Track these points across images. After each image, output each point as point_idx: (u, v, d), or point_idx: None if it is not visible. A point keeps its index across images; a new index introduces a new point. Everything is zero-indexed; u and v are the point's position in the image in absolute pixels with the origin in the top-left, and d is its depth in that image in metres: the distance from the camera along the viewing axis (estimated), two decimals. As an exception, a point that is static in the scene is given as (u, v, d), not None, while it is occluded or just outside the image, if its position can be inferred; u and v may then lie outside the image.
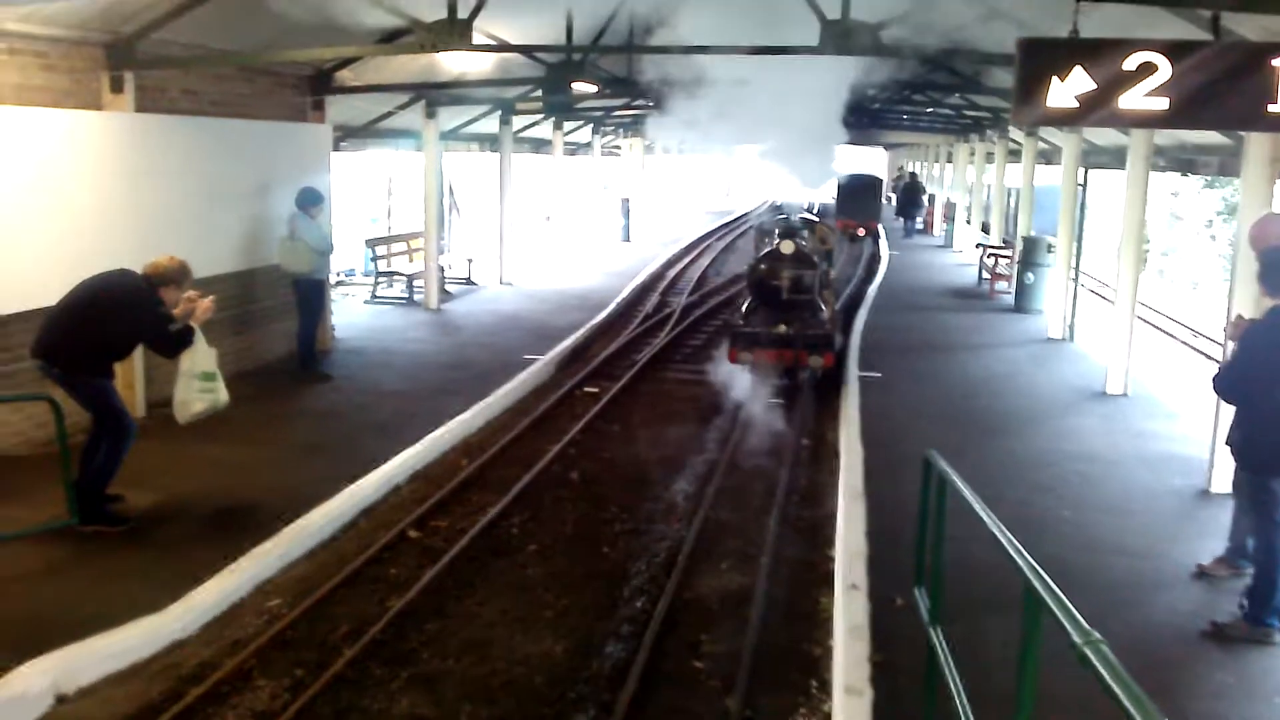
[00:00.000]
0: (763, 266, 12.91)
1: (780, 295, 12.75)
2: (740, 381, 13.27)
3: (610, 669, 6.12)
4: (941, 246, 30.74)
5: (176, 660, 5.95)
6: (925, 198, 38.55)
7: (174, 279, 7.45)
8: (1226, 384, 6.21)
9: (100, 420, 7.42)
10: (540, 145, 26.15)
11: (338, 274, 19.86)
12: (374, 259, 18.89)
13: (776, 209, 19.74)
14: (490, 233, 21.76)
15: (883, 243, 30.61)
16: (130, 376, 10.03)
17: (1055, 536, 7.70)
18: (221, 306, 8.95)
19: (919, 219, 36.78)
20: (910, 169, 46.18)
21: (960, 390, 12.53)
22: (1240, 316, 6.77)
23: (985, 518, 3.95)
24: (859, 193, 32.07)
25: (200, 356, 7.60)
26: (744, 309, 13.29)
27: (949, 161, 35.07)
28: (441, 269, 18.50)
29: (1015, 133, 22.54)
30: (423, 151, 17.50)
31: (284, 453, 9.39)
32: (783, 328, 12.49)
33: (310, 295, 12.11)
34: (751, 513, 8.82)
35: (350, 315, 16.38)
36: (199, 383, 7.63)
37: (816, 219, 15.97)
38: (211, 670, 5.84)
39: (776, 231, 13.98)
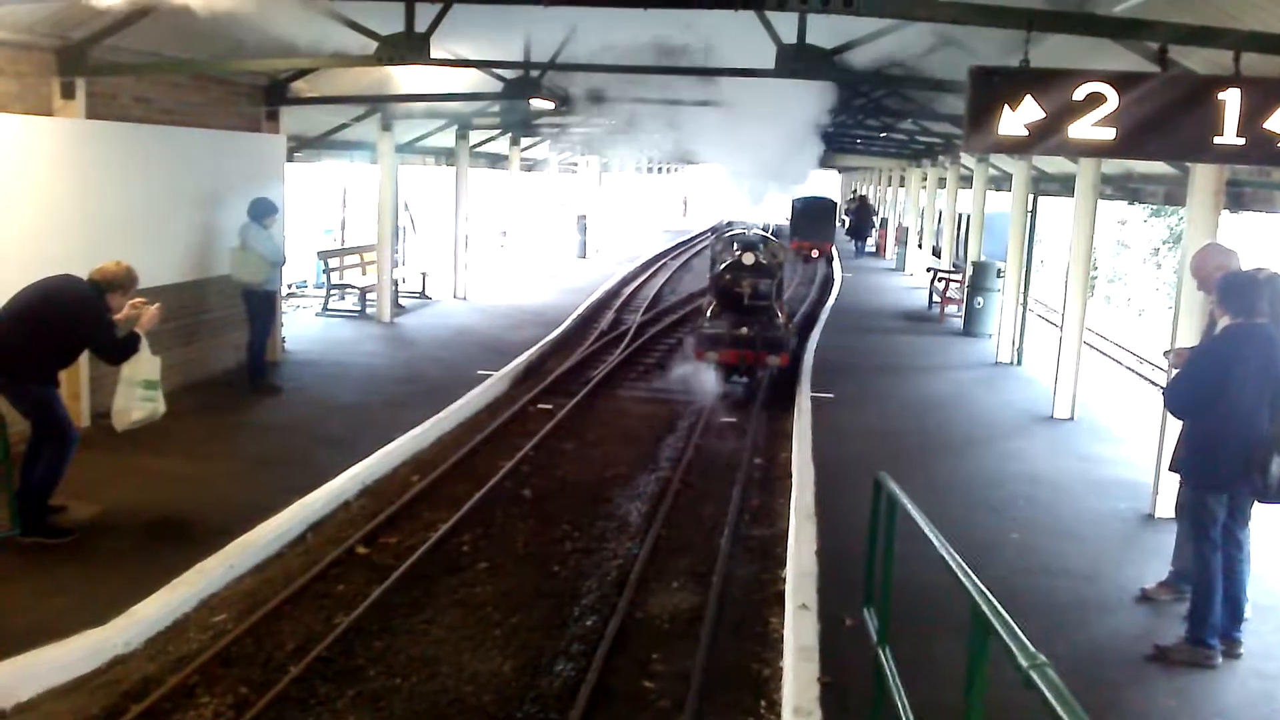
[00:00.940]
0: (726, 275, 14.08)
1: (742, 301, 13.88)
2: (695, 399, 13.51)
3: (560, 688, 6.10)
4: (893, 269, 31.09)
5: (119, 675, 5.85)
6: (876, 219, 39.03)
7: (121, 284, 7.36)
8: (1176, 396, 6.31)
9: (40, 429, 7.29)
10: (497, 160, 26.16)
11: (289, 285, 19.67)
12: (326, 271, 18.76)
13: (727, 227, 20.20)
14: (445, 247, 21.79)
15: (836, 264, 30.92)
16: (76, 386, 9.87)
17: (1003, 558, 7.77)
18: (170, 316, 8.86)
19: (870, 240, 37.22)
20: (862, 192, 46.70)
21: (911, 412, 12.64)
22: (1181, 349, 6.90)
23: (934, 539, 3.99)
24: (813, 215, 32.37)
25: (143, 364, 7.51)
26: (708, 313, 14.31)
27: (901, 185, 35.44)
28: (395, 282, 18.44)
29: (967, 159, 22.79)
30: (378, 164, 17.46)
31: (232, 465, 9.29)
32: (744, 330, 13.65)
33: (261, 306, 11.99)
34: (704, 532, 8.85)
35: (301, 327, 16.31)
36: (140, 390, 7.54)
37: (769, 236, 16.69)
38: (155, 686, 5.74)
39: (735, 245, 14.90)
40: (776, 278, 14.53)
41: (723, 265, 14.60)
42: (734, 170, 16.98)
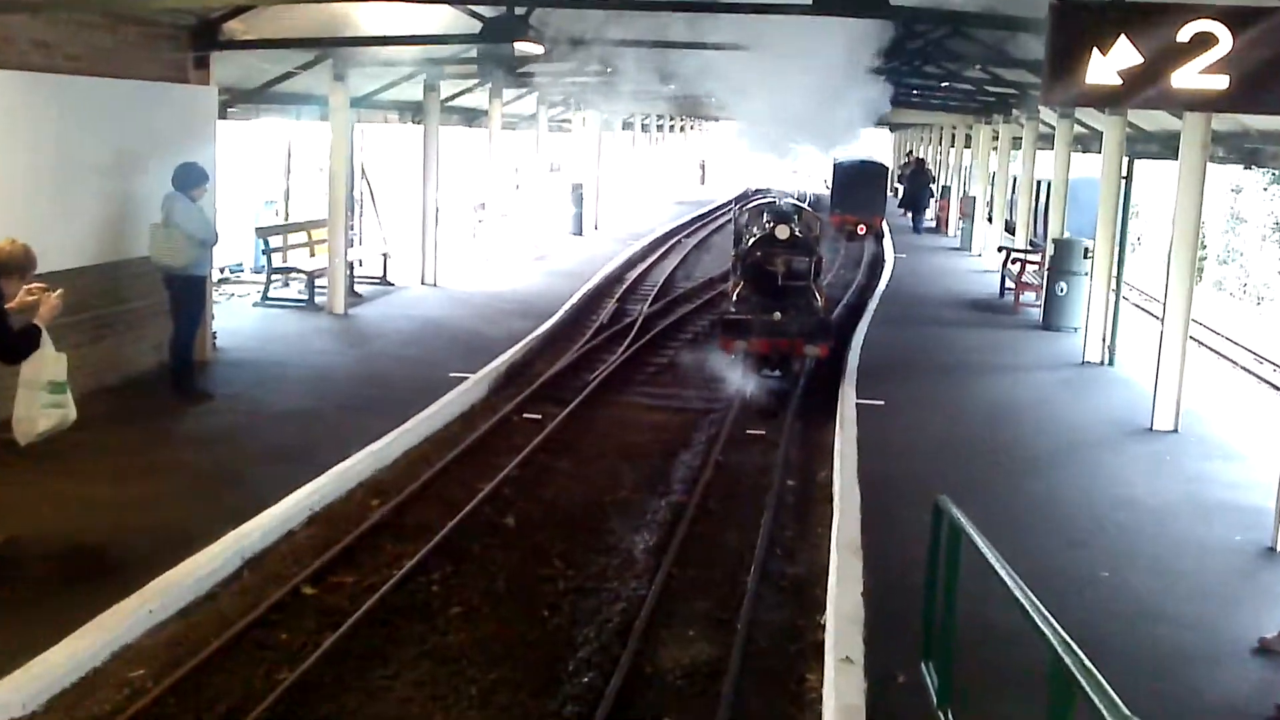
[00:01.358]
0: (756, 252, 14.61)
1: (775, 282, 14.40)
2: (714, 405, 13.57)
3: (550, 758, 6.11)
4: (957, 249, 31.12)
5: (14, 743, 5.83)
6: (936, 187, 38.92)
7: (16, 267, 7.37)
8: None
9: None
10: (474, 117, 26.12)
11: (222, 269, 19.69)
12: (267, 252, 18.71)
13: (754, 196, 20.27)
14: (411, 222, 21.77)
15: (887, 243, 30.84)
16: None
17: (1089, 600, 7.76)
18: (77, 306, 8.85)
19: (929, 212, 37.13)
20: (918, 154, 46.59)
21: (978, 422, 12.64)
22: None
23: (1005, 577, 3.99)
24: (859, 182, 32.33)
25: (47, 363, 7.51)
26: (734, 296, 14.74)
27: (967, 146, 35.31)
28: (350, 265, 18.37)
29: (1047, 113, 22.76)
30: (329, 122, 17.45)
31: (154, 487, 9.27)
32: (777, 315, 13.95)
33: (188, 295, 11.98)
34: (725, 569, 8.85)
35: (237, 320, 16.31)
36: (44, 395, 7.54)
37: (804, 206, 17.15)
38: (57, 757, 5.74)
39: (765, 216, 15.43)
40: (814, 255, 14.97)
41: (751, 240, 14.95)
42: (762, 127, 17.18)
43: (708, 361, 15.43)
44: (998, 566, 4.12)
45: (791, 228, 14.75)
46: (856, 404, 12.84)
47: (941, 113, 35.28)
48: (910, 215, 37.31)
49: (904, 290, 22.47)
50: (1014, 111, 25.62)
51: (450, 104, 23.00)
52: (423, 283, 20.74)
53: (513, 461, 10.96)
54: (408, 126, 22.81)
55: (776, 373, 14.34)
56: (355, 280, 19.21)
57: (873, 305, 20.23)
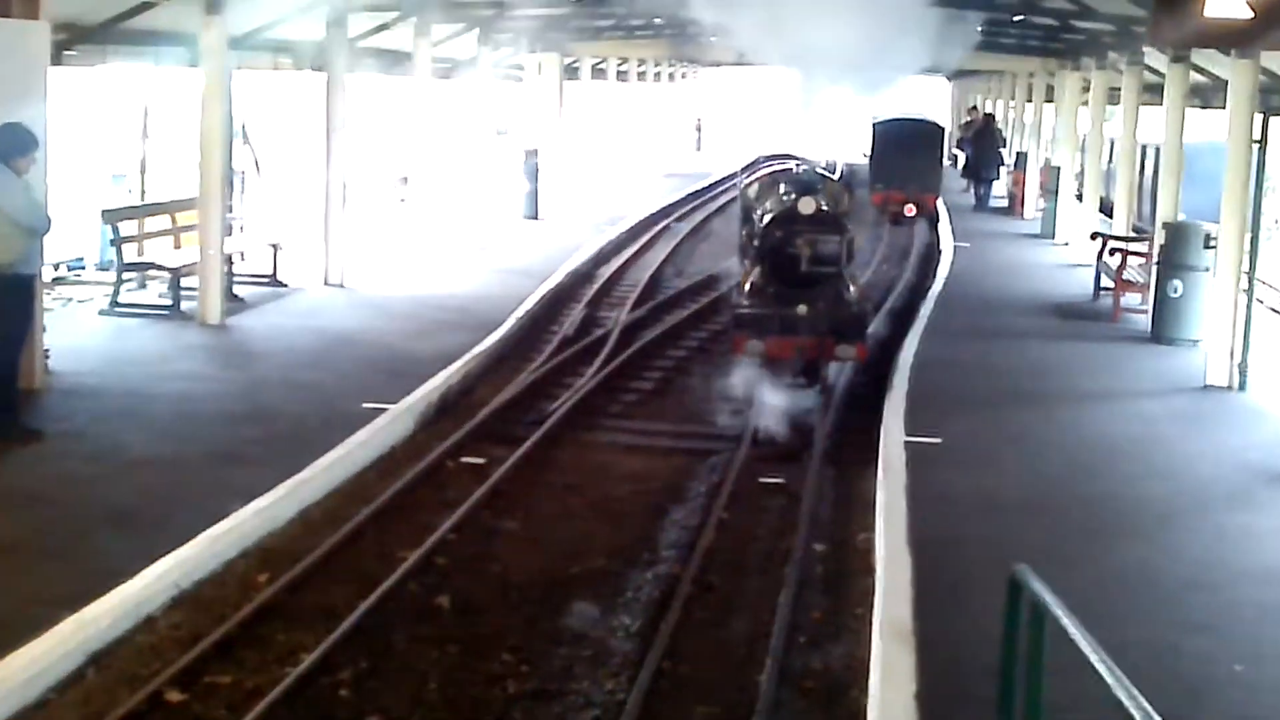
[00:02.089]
0: (775, 231, 15.27)
1: (798, 268, 14.96)
2: (715, 443, 13.66)
3: None
4: (1036, 236, 31.07)
5: None
6: (1006, 152, 38.92)
7: None
8: None
9: None
10: (395, 62, 25.96)
11: (56, 266, 19.59)
12: (117, 242, 18.50)
13: (766, 164, 20.87)
14: (311, 203, 21.67)
15: (944, 228, 30.80)
16: None
17: (1220, 704, 7.73)
18: None
19: (997, 181, 37.09)
20: (985, 109, 46.60)
21: (1065, 466, 12.57)
22: None
23: (1107, 675, 3.98)
24: (907, 148, 32.54)
25: None
26: (746, 287, 15.53)
27: (1048, 101, 35.30)
28: (229, 260, 18.27)
29: (1155, 57, 22.78)
30: (201, 69, 17.33)
31: (-38, 558, 9.17)
32: (802, 309, 14.65)
33: (10, 300, 11.89)
34: (731, 664, 8.83)
35: (77, 333, 16.20)
36: None
37: (829, 175, 17.76)
38: None
39: (782, 188, 16.20)
40: (845, 233, 15.53)
41: (767, 217, 15.58)
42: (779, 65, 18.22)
43: (707, 384, 15.50)
44: (1096, 660, 4.11)
45: (817, 200, 15.23)
46: (905, 442, 12.85)
47: (1014, 55, 35.30)
48: (973, 188, 37.30)
49: (967, 291, 22.44)
50: (1110, 54, 25.59)
51: (362, 44, 22.86)
52: (327, 283, 20.66)
53: (447, 522, 10.90)
54: (305, 74, 22.72)
55: (801, 381, 14.85)
56: (235, 280, 19.05)
57: (926, 311, 20.14)
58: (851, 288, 15.49)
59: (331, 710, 7.94)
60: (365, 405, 13.50)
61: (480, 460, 12.77)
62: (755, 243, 15.86)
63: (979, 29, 26.68)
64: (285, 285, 20.43)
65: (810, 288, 14.88)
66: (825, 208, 15.39)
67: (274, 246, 20.77)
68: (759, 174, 19.44)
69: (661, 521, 11.65)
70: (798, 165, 18.27)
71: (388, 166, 26.97)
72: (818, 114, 18.61)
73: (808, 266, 14.88)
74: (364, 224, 23.60)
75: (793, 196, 15.52)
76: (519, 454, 12.83)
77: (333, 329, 17.45)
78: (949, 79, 56.00)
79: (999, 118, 45.09)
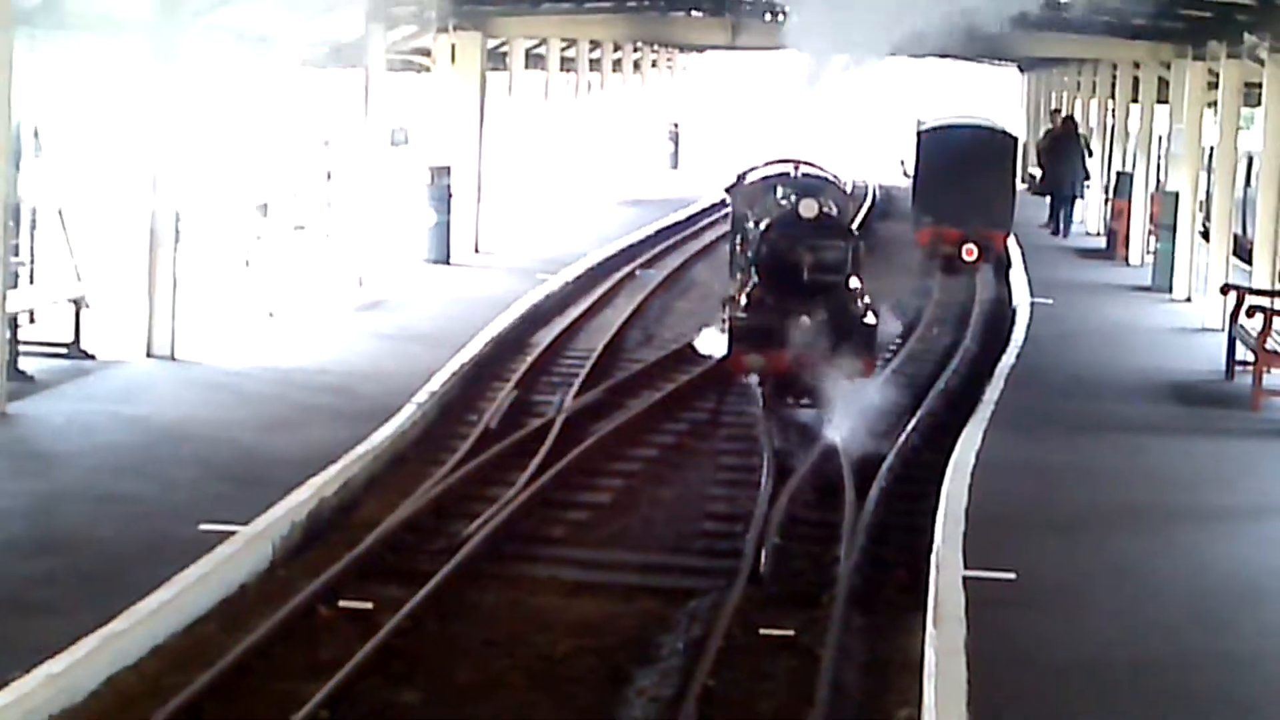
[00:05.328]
0: (774, 236, 16.27)
1: (800, 276, 15.89)
2: (695, 583, 12.77)
3: None
4: (1145, 288, 29.48)
5: None
6: (1092, 162, 37.17)
7: None
8: None
9: None
10: (251, 46, 24.42)
11: None
12: None
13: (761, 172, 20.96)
14: (128, 241, 20.77)
15: (1017, 278, 29.28)
16: None
17: None
18: None
19: (1080, 201, 36.03)
20: (1064, 111, 43.79)
21: (1191, 614, 11.54)
22: None
23: None
24: (967, 167, 30.48)
25: None
26: (742, 299, 16.39)
27: (1160, 101, 33.30)
28: (12, 321, 16.75)
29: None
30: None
31: None
32: (805, 320, 15.45)
33: None
34: None
35: None
36: None
37: (829, 178, 18.73)
38: None
39: (780, 192, 17.27)
40: (850, 239, 16.76)
41: (764, 223, 16.56)
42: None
43: (686, 492, 14.86)
44: None
45: (820, 203, 16.16)
46: (965, 579, 11.54)
47: (1112, 39, 33.15)
48: (1054, 213, 35.78)
49: (1049, 366, 21.18)
50: (1248, 37, 23.66)
51: (205, 21, 21.28)
52: (151, 353, 19.06)
53: (317, 695, 9.54)
54: (122, 60, 21.55)
55: (804, 402, 15.93)
56: (21, 351, 17.43)
57: (993, 395, 18.58)
58: (859, 299, 16.46)
59: None
60: (204, 527, 12.31)
61: (367, 605, 11.63)
62: (750, 251, 16.83)
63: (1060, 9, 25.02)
64: (93, 357, 18.80)
65: (813, 298, 15.90)
66: (828, 211, 16.47)
67: (76, 303, 19.16)
68: (751, 178, 20.05)
69: (623, 693, 10.51)
70: (796, 165, 19.00)
71: (240, 191, 25.92)
72: (833, 102, 19.22)
73: (810, 275, 15.94)
74: (204, 271, 23.01)
75: (792, 199, 16.57)
76: (421, 596, 11.61)
77: (159, 419, 16.13)
78: (1022, 70, 52.74)
79: (1091, 123, 42.79)
